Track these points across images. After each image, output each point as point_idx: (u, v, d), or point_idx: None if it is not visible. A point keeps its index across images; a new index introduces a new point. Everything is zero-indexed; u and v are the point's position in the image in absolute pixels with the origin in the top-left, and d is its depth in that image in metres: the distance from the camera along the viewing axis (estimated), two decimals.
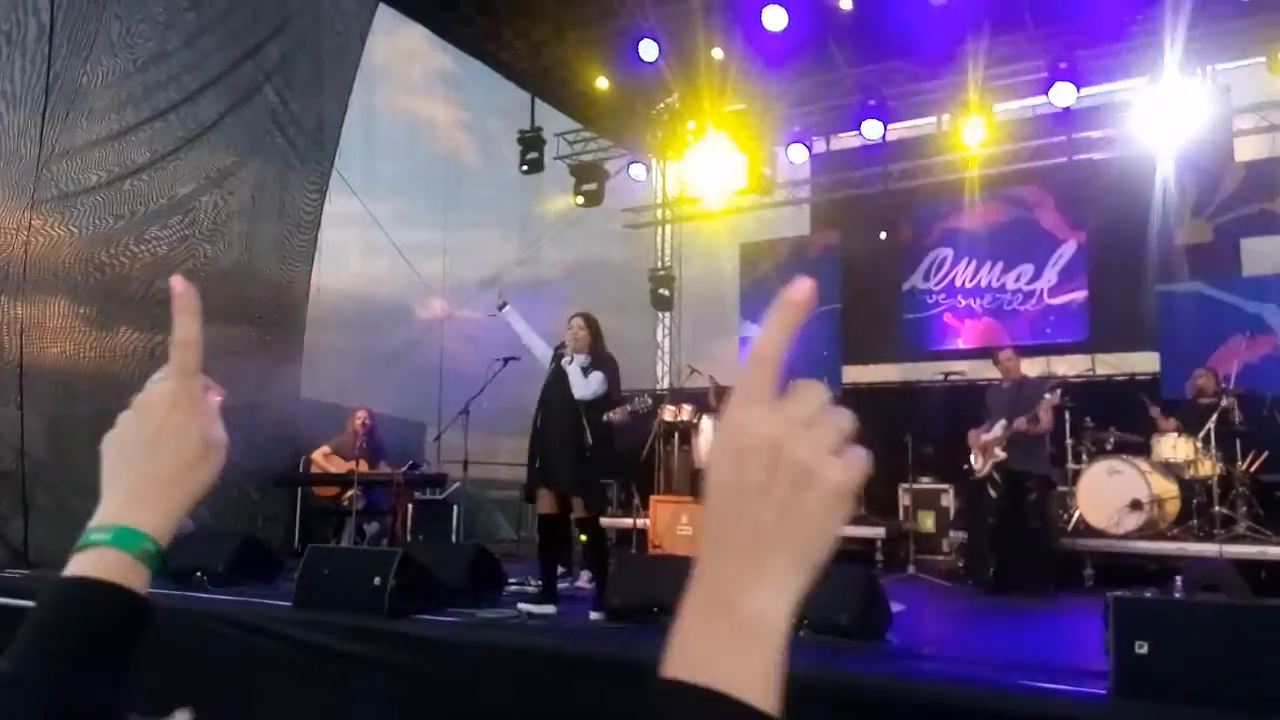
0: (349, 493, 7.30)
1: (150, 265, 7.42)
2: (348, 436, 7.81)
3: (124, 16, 7.21)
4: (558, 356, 5.24)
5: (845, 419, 0.56)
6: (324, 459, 7.84)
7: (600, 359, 5.18)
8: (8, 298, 6.61)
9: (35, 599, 0.64)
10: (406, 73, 10.64)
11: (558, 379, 5.15)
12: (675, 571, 4.86)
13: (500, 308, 5.63)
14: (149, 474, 0.72)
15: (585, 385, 5.06)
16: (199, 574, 5.30)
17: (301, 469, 7.95)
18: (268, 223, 8.39)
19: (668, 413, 9.03)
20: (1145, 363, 9.53)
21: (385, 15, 9.31)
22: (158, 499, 0.71)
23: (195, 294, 0.74)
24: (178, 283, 0.73)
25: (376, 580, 4.29)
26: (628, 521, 8.28)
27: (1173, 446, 7.38)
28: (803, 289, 0.56)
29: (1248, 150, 9.73)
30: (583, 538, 5.38)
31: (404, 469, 7.55)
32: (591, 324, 5.28)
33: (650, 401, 6.69)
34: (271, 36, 8.32)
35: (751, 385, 0.56)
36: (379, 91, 9.83)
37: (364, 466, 7.38)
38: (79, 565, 0.67)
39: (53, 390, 6.81)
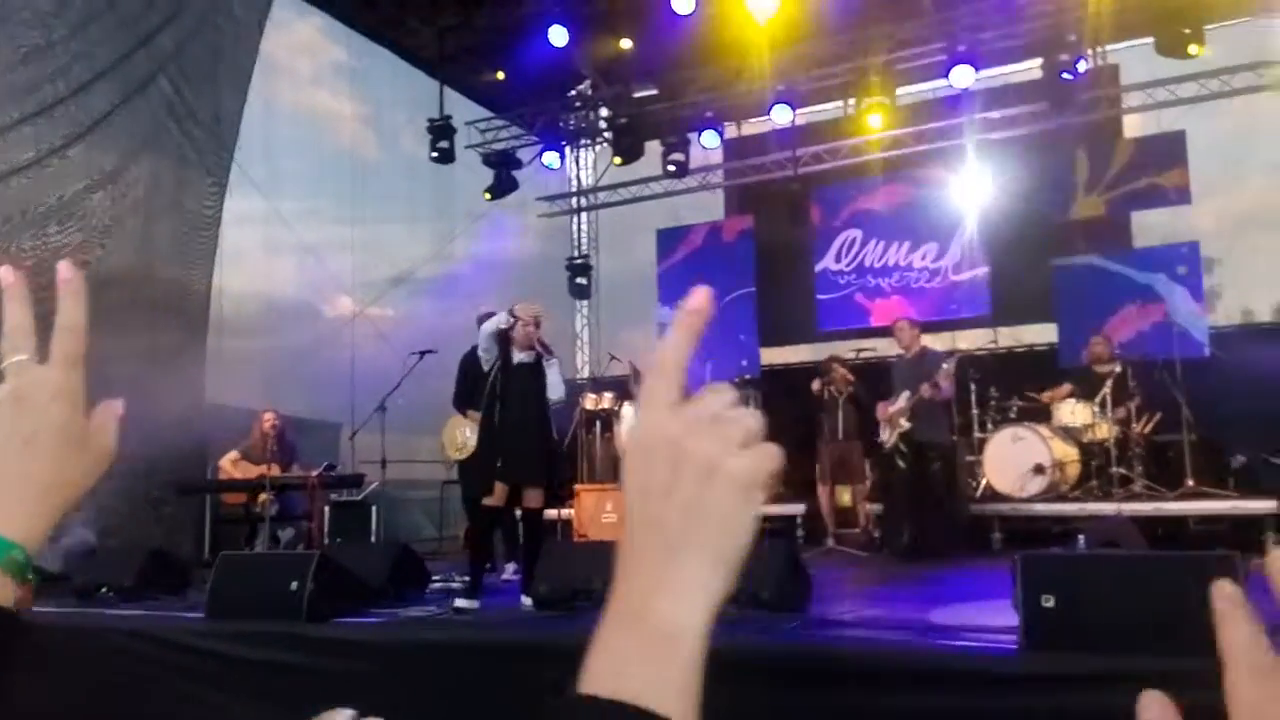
0: (261, 498, 7.09)
1: (37, 269, 7.06)
2: (256, 440, 7.57)
3: (3, 4, 6.83)
4: (503, 352, 5.22)
5: (752, 417, 0.56)
6: (232, 465, 7.59)
7: (549, 351, 5.29)
8: None
9: None
10: (302, 66, 10.35)
11: (516, 376, 5.14)
12: (600, 557, 4.88)
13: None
14: (22, 475, 0.63)
15: (560, 385, 5.26)
16: (105, 590, 5.11)
17: (210, 476, 7.68)
18: (165, 221, 8.05)
19: (589, 401, 9.03)
20: (1044, 334, 9.94)
21: (280, 6, 9.01)
22: (29, 504, 0.63)
23: (82, 279, 0.69)
24: (64, 268, 0.68)
25: (293, 585, 4.18)
26: (552, 511, 8.24)
27: (1071, 412, 7.72)
28: (700, 297, 0.58)
29: (1135, 127, 10.19)
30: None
31: (318, 471, 7.37)
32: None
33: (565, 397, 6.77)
34: (165, 24, 7.97)
35: (655, 391, 0.56)
36: (276, 85, 9.53)
37: (275, 470, 7.18)
38: None
39: None
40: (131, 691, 4.23)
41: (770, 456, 0.55)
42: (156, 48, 7.86)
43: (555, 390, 5.23)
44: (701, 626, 0.53)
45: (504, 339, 5.24)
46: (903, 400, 6.94)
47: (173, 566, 5.45)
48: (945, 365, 6.84)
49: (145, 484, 7.32)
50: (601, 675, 0.52)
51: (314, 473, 7.26)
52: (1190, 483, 7.10)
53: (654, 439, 0.55)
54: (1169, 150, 9.56)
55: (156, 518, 7.47)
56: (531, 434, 5.11)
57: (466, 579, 5.16)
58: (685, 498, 0.53)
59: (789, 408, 9.09)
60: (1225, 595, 0.50)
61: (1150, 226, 9.93)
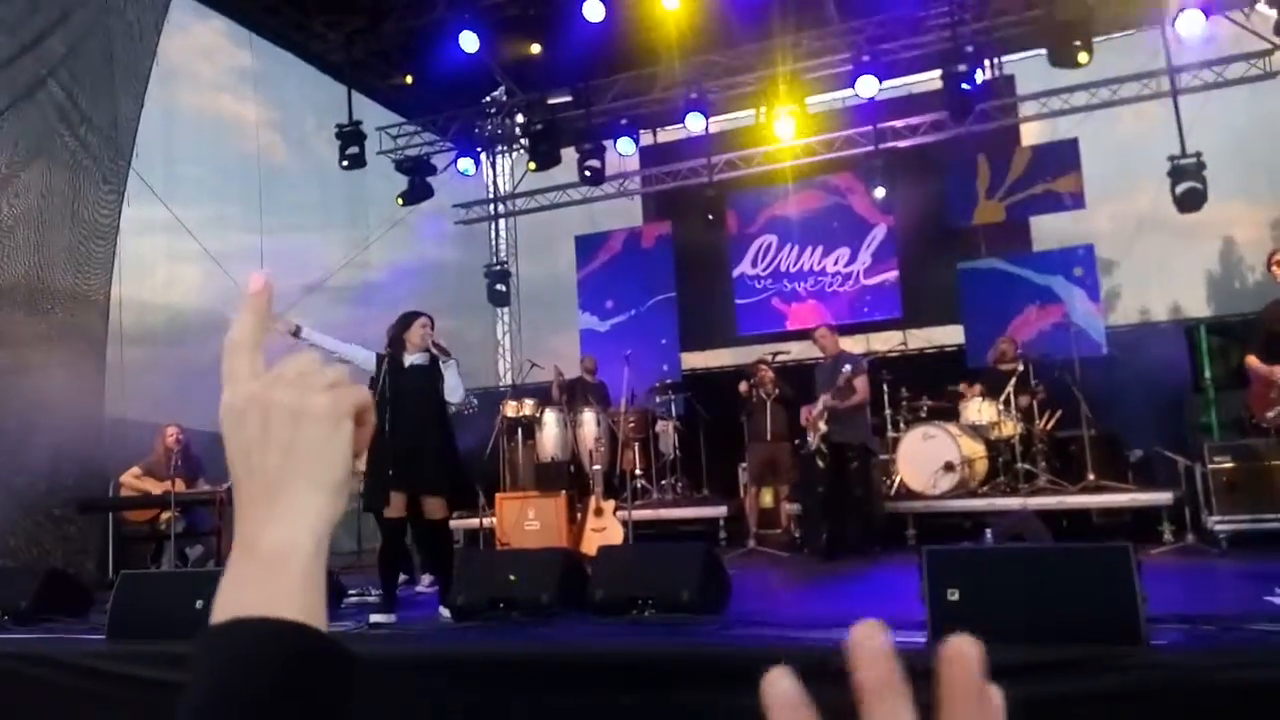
0: (166, 515, 6.83)
1: None
2: (158, 455, 7.30)
3: None
4: (392, 357, 5.08)
5: (336, 371, 0.62)
6: (135, 481, 7.30)
7: (445, 352, 5.09)
8: None
9: None
10: (204, 71, 10.03)
11: (409, 380, 4.99)
12: (520, 565, 4.85)
13: (295, 334, 5.17)
14: None
15: (459, 388, 5.04)
16: None
17: (112, 494, 7.37)
18: (59, 230, 7.71)
19: (510, 408, 8.95)
20: (952, 335, 10.27)
21: (179, 9, 8.71)
22: None
23: None
24: None
25: (198, 603, 4.04)
26: (474, 521, 8.15)
27: (978, 410, 7.98)
28: (256, 281, 0.64)
29: (1032, 135, 10.62)
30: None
31: (227, 485, 7.12)
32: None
33: (475, 403, 6.63)
34: (53, 28, 7.64)
35: (235, 365, 0.62)
36: (178, 90, 9.21)
37: (180, 486, 6.93)
38: None
39: None
40: (28, 718, 4.04)
41: (352, 393, 0.62)
42: (45, 51, 7.53)
43: (454, 393, 5.02)
44: (311, 543, 0.58)
45: (396, 341, 5.10)
46: (820, 404, 7.07)
47: (73, 588, 5.21)
48: (844, 370, 6.98)
49: (45, 501, 7.00)
50: (223, 606, 0.56)
51: (223, 487, 7.03)
52: (1091, 477, 7.39)
53: (242, 402, 0.60)
54: (1064, 157, 9.98)
55: (59, 537, 7.14)
56: (427, 440, 4.89)
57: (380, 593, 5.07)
58: (279, 442, 0.59)
59: (712, 411, 9.18)
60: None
61: (1047, 231, 10.35)
